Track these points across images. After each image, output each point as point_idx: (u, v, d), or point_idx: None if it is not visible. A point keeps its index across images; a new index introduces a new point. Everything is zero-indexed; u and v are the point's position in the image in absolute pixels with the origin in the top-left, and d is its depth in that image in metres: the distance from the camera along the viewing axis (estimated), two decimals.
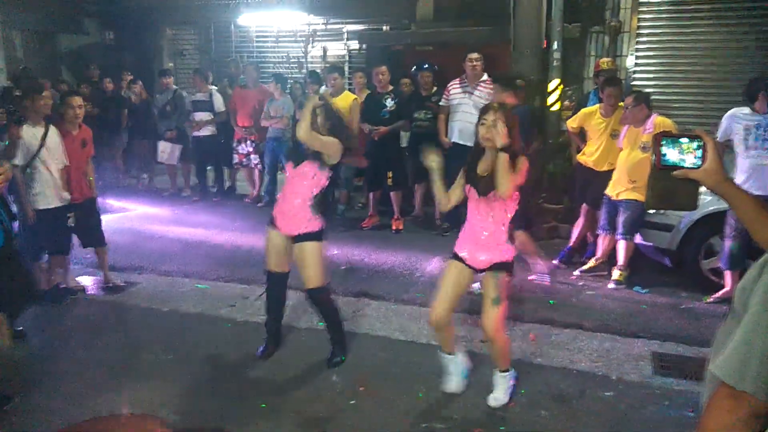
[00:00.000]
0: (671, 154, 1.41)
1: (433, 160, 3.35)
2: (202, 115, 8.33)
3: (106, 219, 6.76)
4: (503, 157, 3.09)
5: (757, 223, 1.38)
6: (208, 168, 8.81)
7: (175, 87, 8.88)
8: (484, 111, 3.23)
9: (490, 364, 3.57)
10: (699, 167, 1.40)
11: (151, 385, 3.69)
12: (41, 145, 4.67)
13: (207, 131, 8.37)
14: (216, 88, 8.57)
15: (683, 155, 1.41)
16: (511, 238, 3.35)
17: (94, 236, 5.23)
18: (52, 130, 4.77)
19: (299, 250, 3.82)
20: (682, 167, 1.40)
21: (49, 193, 4.72)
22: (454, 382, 3.59)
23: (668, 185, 1.43)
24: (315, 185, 3.77)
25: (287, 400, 3.55)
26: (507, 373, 3.49)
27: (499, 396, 3.46)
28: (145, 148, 9.10)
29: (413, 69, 7.32)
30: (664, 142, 1.41)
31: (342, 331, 4.07)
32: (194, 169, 8.82)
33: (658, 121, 5.11)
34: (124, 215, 7.85)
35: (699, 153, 1.40)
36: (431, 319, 3.43)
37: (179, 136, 8.65)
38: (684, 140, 1.41)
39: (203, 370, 3.91)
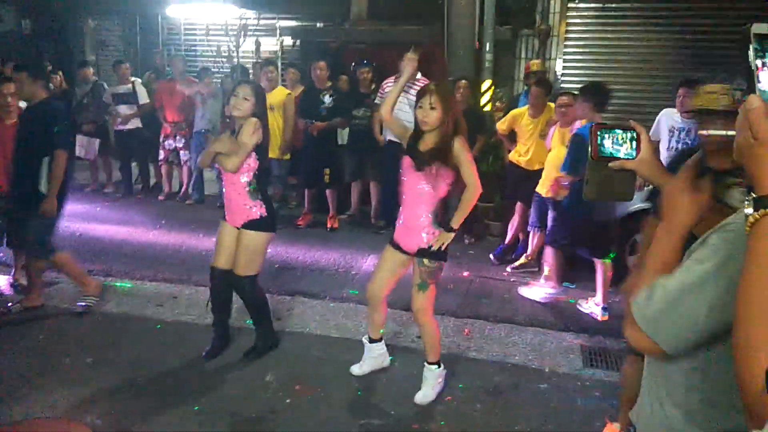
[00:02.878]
0: (607, 144, 1.43)
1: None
2: (125, 108, 7.98)
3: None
4: (461, 144, 3.23)
5: None
6: (132, 163, 8.44)
7: (94, 78, 8.48)
8: (420, 95, 3.25)
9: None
10: (634, 158, 1.42)
11: (73, 390, 3.48)
12: None
13: (131, 125, 8.02)
14: (139, 80, 8.23)
15: (618, 146, 1.43)
16: (442, 225, 3.35)
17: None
18: None
19: (240, 237, 3.77)
20: (618, 158, 1.42)
21: None
22: (360, 368, 3.71)
23: (605, 176, 1.45)
24: (246, 171, 3.70)
25: (220, 401, 3.42)
26: (436, 368, 3.49)
27: (426, 392, 3.46)
28: None
29: (353, 66, 7.25)
30: (600, 133, 1.43)
31: (269, 324, 4.02)
32: (118, 164, 8.43)
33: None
34: None
35: (633, 144, 1.43)
36: (367, 291, 3.58)
37: (99, 130, 8.25)
38: (619, 131, 1.43)
39: (129, 372, 3.71)
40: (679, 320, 1.14)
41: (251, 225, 3.75)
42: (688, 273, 1.14)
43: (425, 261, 3.33)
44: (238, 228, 3.79)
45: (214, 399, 3.43)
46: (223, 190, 3.88)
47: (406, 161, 3.32)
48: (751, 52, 0.96)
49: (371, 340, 3.73)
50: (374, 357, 3.73)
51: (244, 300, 3.93)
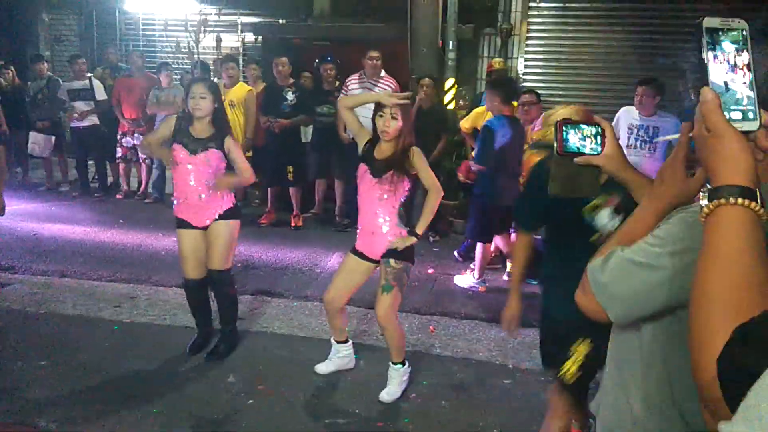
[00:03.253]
0: (572, 140, 1.42)
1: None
2: (81, 105, 7.75)
3: None
4: (419, 154, 3.25)
5: None
6: (89, 161, 8.22)
7: (49, 74, 8.23)
8: (380, 103, 3.23)
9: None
10: (599, 153, 1.42)
11: (26, 393, 3.35)
12: None
13: (88, 122, 7.79)
14: (92, 75, 8.01)
15: (584, 141, 1.42)
16: (406, 225, 3.37)
17: None
18: None
19: (215, 231, 3.74)
20: (583, 153, 1.42)
21: None
22: (324, 367, 3.68)
23: (570, 172, 1.44)
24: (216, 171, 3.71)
25: (181, 402, 3.34)
26: (400, 366, 3.46)
27: (391, 390, 3.43)
28: (17, 140, 8.33)
29: (316, 62, 7.18)
30: (565, 129, 1.42)
31: (234, 325, 3.98)
32: (73, 162, 8.19)
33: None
34: None
35: (598, 139, 1.42)
36: (325, 298, 3.48)
37: (54, 127, 8.02)
38: (584, 126, 1.43)
39: (85, 375, 3.59)
40: (627, 291, 1.19)
41: (226, 215, 3.74)
42: (644, 249, 1.17)
43: (391, 261, 3.30)
44: (204, 228, 3.74)
45: (175, 400, 3.35)
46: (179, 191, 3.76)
47: (362, 168, 3.30)
48: (703, 46, 0.97)
49: (339, 341, 3.70)
50: (340, 357, 3.70)
51: (221, 296, 3.89)
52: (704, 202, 0.94)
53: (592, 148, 1.42)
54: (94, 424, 3.11)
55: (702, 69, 0.97)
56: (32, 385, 3.44)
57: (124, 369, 3.68)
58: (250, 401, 3.38)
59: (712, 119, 0.93)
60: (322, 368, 3.68)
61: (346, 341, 3.71)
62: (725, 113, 0.94)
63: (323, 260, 5.84)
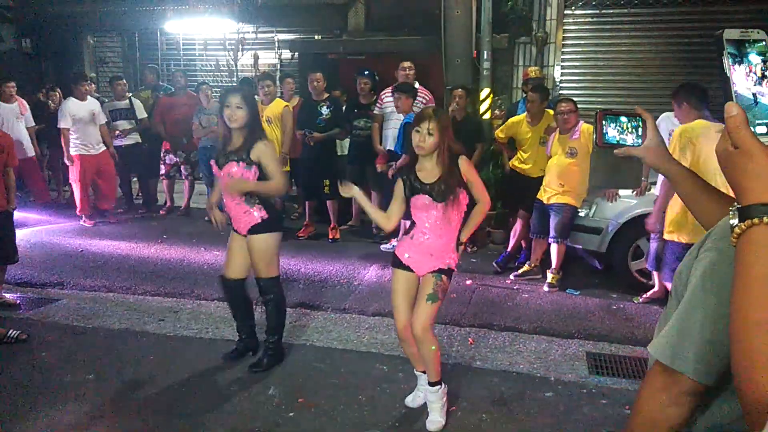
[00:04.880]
0: (612, 132, 1.40)
1: (348, 192, 3.28)
2: (123, 123, 7.98)
3: (23, 233, 6.39)
4: (466, 164, 3.21)
5: (698, 201, 1.37)
6: (133, 179, 8.44)
7: (97, 95, 8.49)
8: (419, 119, 3.17)
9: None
10: (640, 145, 1.39)
11: (75, 407, 3.44)
12: None
13: (130, 140, 8.01)
14: (132, 95, 8.25)
15: (624, 134, 1.40)
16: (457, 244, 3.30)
17: (3, 252, 4.71)
18: None
19: (250, 244, 3.81)
20: (624, 145, 1.39)
21: None
22: (416, 399, 3.49)
23: (611, 163, 1.43)
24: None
25: (222, 416, 3.39)
26: (438, 388, 3.29)
27: (435, 418, 3.27)
28: (61, 158, 8.61)
29: (355, 75, 7.26)
30: (605, 121, 1.41)
31: (280, 337, 4.02)
32: (118, 179, 8.43)
33: (584, 128, 5.25)
34: (43, 229, 7.41)
35: (639, 131, 1.40)
36: (398, 330, 3.32)
37: None
38: (624, 118, 1.40)
39: (130, 389, 3.69)
40: (695, 340, 1.07)
41: (255, 229, 3.77)
42: (689, 289, 1.10)
43: (443, 277, 3.22)
44: (244, 236, 3.82)
45: (217, 413, 3.40)
46: (224, 201, 3.89)
47: (420, 200, 3.19)
48: (725, 59, 0.95)
49: (423, 371, 3.43)
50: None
51: (270, 304, 3.93)
52: (735, 221, 0.90)
53: (633, 141, 1.40)
54: None
55: (725, 82, 0.95)
56: (81, 398, 3.54)
57: (168, 382, 3.75)
58: (291, 414, 3.41)
59: (740, 135, 0.90)
60: (411, 401, 3.50)
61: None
62: (752, 128, 0.90)
63: (361, 272, 5.87)
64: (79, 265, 6.05)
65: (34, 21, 10.44)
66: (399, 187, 3.28)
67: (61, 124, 7.36)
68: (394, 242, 6.25)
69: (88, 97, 7.57)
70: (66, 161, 7.57)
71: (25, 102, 8.02)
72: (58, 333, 4.46)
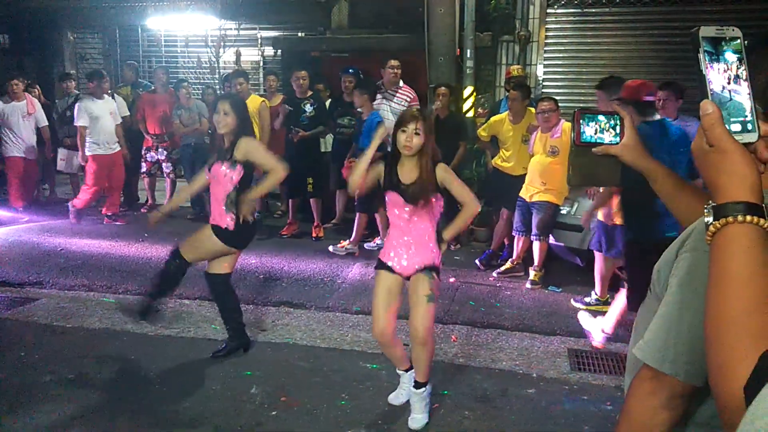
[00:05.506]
0: (590, 130, 1.41)
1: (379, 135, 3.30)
2: None
3: (1, 232, 6.30)
4: (445, 170, 3.19)
5: (675, 197, 1.38)
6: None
7: (77, 92, 8.40)
8: (406, 119, 3.15)
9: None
10: (617, 143, 1.41)
11: (54, 406, 3.40)
12: None
13: None
14: (115, 91, 8.16)
15: (602, 133, 1.41)
16: (438, 240, 3.29)
17: None
18: None
19: (203, 229, 3.93)
20: (602, 143, 1.41)
21: None
22: (399, 397, 3.47)
23: (589, 162, 1.43)
24: (231, 183, 3.78)
25: (205, 414, 3.37)
26: (424, 390, 3.29)
27: (418, 417, 3.27)
28: (44, 157, 8.52)
29: (340, 73, 7.24)
30: (582, 120, 1.42)
31: (240, 320, 4.09)
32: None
33: (566, 127, 5.29)
34: (22, 227, 7.30)
35: (617, 130, 1.41)
36: (374, 334, 3.28)
37: None
38: (602, 117, 1.41)
39: (112, 388, 3.65)
40: (684, 341, 1.06)
41: (216, 230, 3.83)
42: (674, 289, 1.10)
43: (434, 274, 3.21)
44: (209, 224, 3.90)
45: (199, 412, 3.38)
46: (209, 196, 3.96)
47: (394, 197, 3.20)
48: (701, 56, 0.95)
49: (405, 370, 3.43)
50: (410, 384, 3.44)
51: (216, 299, 4.06)
52: (709, 219, 0.90)
53: (610, 139, 1.41)
54: None
55: (701, 80, 0.95)
56: (60, 397, 3.50)
57: (150, 382, 3.73)
58: (274, 413, 3.40)
59: (715, 133, 0.90)
60: (394, 399, 3.48)
61: (411, 368, 3.38)
62: (726, 125, 0.91)
63: (344, 271, 5.86)
64: (59, 264, 5.98)
65: (13, 16, 10.29)
66: (378, 170, 3.26)
67: (79, 122, 7.27)
68: (378, 240, 6.28)
69: (105, 95, 7.46)
70: (80, 161, 7.53)
71: (35, 101, 7.89)
72: (38, 333, 4.40)
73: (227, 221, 3.79)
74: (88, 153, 7.34)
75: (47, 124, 7.95)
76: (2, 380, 3.70)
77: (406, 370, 3.39)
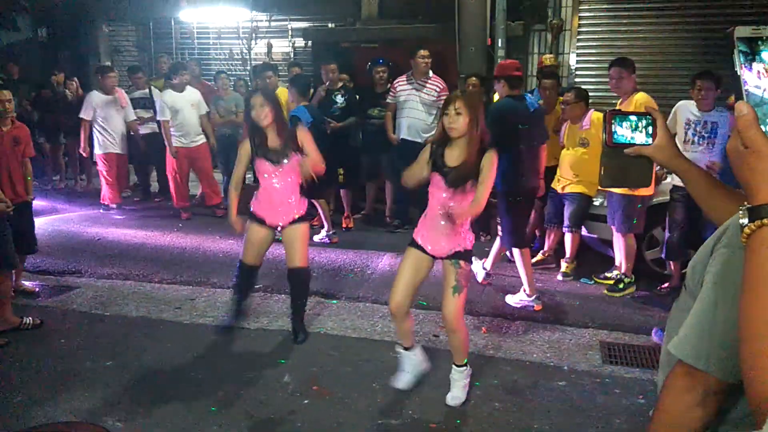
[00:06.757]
0: (622, 131, 1.40)
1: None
2: (141, 113, 8.02)
3: (40, 222, 6.47)
4: (490, 159, 3.15)
5: (709, 198, 1.36)
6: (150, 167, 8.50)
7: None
8: (447, 103, 3.17)
9: (446, 359, 3.55)
10: (650, 144, 1.39)
11: (93, 393, 3.51)
12: None
13: (147, 129, 8.04)
14: (152, 83, 8.28)
15: (633, 133, 1.40)
16: (472, 227, 3.33)
17: (24, 242, 4.70)
18: None
19: (292, 232, 4.04)
20: (633, 144, 1.39)
21: None
22: (404, 379, 3.53)
23: (620, 163, 1.42)
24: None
25: (238, 402, 3.44)
26: (464, 368, 3.42)
27: (457, 394, 3.39)
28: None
29: (368, 65, 7.23)
30: (614, 120, 1.40)
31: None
32: (134, 168, 8.50)
33: (595, 117, 5.22)
34: (60, 218, 7.51)
35: (649, 130, 1.39)
36: (390, 306, 3.36)
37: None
38: (634, 118, 1.40)
39: (148, 375, 3.75)
40: (720, 338, 1.06)
41: (299, 219, 4.03)
42: (709, 285, 1.09)
43: (461, 263, 3.25)
44: (275, 227, 4.03)
45: (233, 401, 3.45)
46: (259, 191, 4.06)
47: (436, 179, 3.22)
48: (736, 57, 0.93)
49: (406, 348, 3.53)
50: (414, 364, 3.55)
51: (301, 291, 4.16)
52: (744, 221, 0.89)
53: (643, 140, 1.39)
54: (157, 422, 3.24)
55: (736, 81, 0.94)
56: (99, 384, 3.61)
57: (185, 369, 3.81)
58: (306, 401, 3.45)
59: (750, 134, 0.89)
60: (401, 382, 3.53)
61: (412, 347, 3.54)
62: (762, 126, 0.90)
63: (374, 261, 5.89)
64: (97, 254, 6.13)
65: (50, 10, 10.51)
66: (426, 152, 3.32)
67: (161, 116, 7.22)
68: (324, 232, 6.43)
69: (187, 87, 7.39)
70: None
71: (125, 95, 7.81)
72: (77, 320, 4.54)
73: (302, 207, 4.04)
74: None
75: (135, 119, 7.84)
76: (43, 367, 3.82)
77: (407, 348, 3.51)
